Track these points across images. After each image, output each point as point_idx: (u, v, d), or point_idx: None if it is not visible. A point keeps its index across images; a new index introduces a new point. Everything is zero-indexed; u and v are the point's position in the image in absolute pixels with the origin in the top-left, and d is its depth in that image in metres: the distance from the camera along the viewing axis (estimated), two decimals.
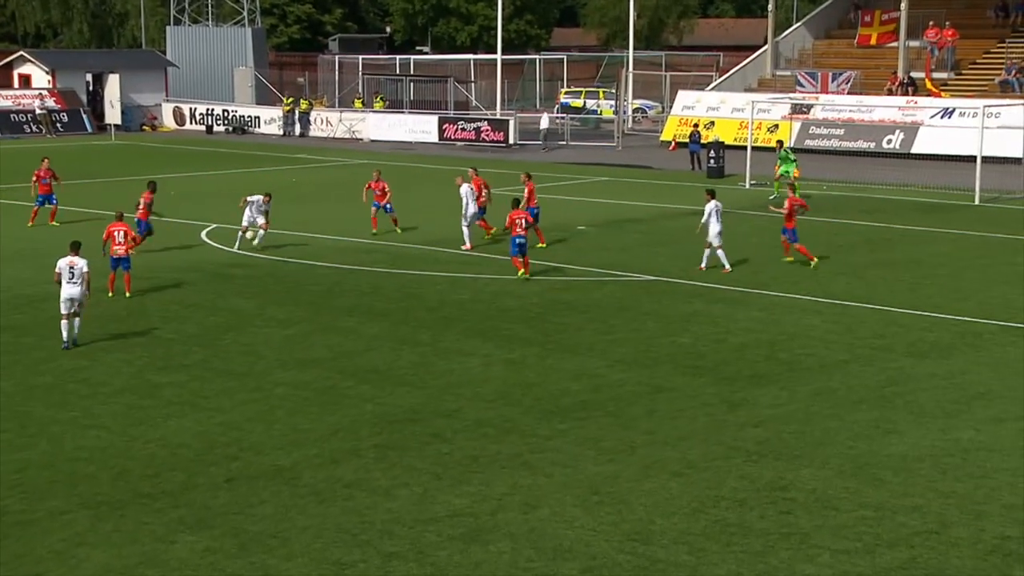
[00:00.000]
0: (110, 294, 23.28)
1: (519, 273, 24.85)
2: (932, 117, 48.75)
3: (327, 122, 62.27)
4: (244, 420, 16.32)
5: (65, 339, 19.56)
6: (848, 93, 53.20)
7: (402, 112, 61.85)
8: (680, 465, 14.60)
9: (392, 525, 12.82)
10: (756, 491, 13.76)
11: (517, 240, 24.80)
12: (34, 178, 32.78)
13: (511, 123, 56.54)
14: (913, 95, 51.50)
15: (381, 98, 64.92)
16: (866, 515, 13.07)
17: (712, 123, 52.85)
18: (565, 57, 77.04)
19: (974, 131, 39.07)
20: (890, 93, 52.57)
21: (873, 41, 57.23)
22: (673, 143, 53.68)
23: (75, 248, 19.75)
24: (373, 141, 59.10)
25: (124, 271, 23.28)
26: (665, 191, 40.76)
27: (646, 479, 14.15)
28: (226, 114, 66.00)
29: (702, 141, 47.05)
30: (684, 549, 12.29)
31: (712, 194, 26.47)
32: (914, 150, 48.70)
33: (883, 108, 50.26)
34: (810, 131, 51.00)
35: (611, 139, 56.17)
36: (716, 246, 25.91)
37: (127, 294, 23.39)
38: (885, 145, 49.67)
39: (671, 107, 58.60)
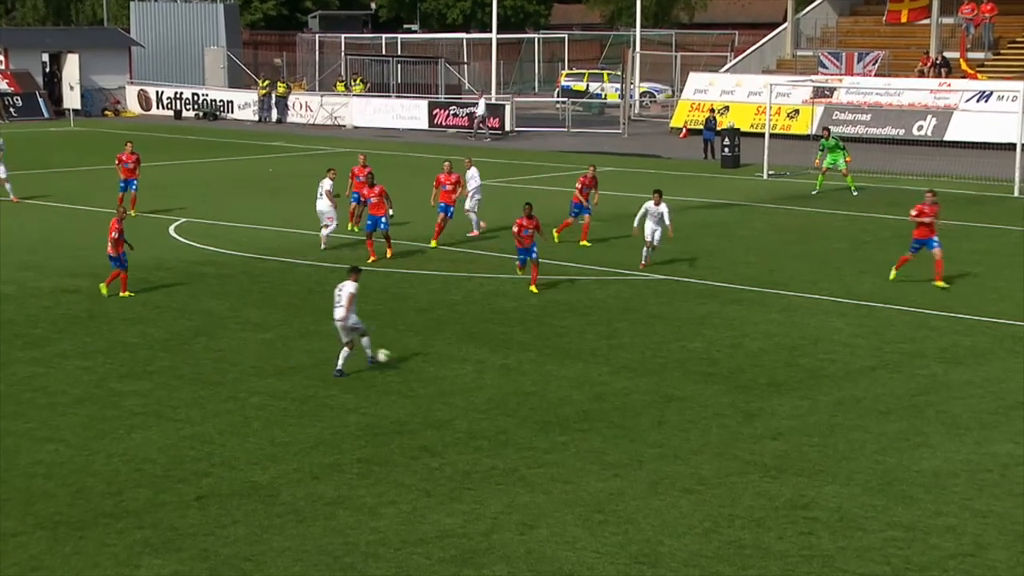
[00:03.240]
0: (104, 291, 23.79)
1: (530, 288, 24.13)
2: (967, 101, 48.83)
3: (306, 107, 62.31)
4: (216, 432, 16.31)
5: (338, 367, 18.81)
6: (875, 75, 53.27)
7: (388, 96, 61.89)
8: (691, 481, 14.61)
9: (377, 547, 12.82)
10: (774, 509, 13.78)
11: (521, 251, 24.26)
12: (116, 161, 33.39)
13: (507, 108, 56.59)
14: (947, 77, 51.57)
15: (361, 80, 64.93)
16: (895, 536, 13.08)
17: (727, 108, 52.91)
18: (566, 36, 77.13)
19: (1014, 116, 39.13)
20: (921, 75, 52.65)
21: (903, 18, 57.32)
22: (684, 130, 53.73)
23: (352, 273, 19.19)
24: (356, 128, 59.13)
25: (115, 268, 23.95)
26: (675, 182, 40.77)
27: (654, 496, 14.16)
28: (196, 98, 66.00)
29: (716, 128, 47.11)
30: (696, 572, 12.30)
31: (659, 194, 26.16)
32: (947, 137, 48.76)
33: (913, 91, 50.33)
34: (834, 116, 51.05)
35: (616, 126, 56.21)
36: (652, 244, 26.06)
37: (120, 294, 23.82)
38: (916, 132, 49.73)
39: (682, 91, 58.66)
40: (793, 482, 14.56)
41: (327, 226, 28.65)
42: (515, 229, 23.97)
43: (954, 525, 13.35)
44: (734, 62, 59.88)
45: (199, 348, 20.42)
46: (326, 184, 28.78)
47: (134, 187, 33.25)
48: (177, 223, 32.20)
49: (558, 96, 65.37)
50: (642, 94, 66.54)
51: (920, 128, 49.79)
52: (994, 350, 20.33)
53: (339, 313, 18.87)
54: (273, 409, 17.30)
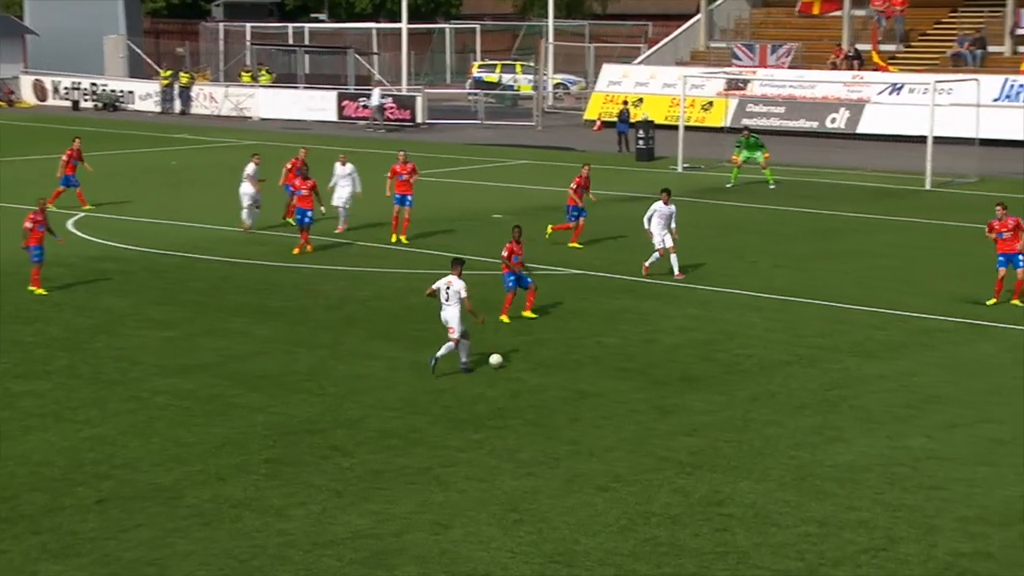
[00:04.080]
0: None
1: (524, 312, 21.96)
2: (880, 93, 49.63)
3: (211, 98, 61.65)
4: (117, 434, 16.11)
5: (435, 354, 18.75)
6: (789, 67, 53.92)
7: (296, 87, 61.43)
8: (606, 478, 14.71)
9: (286, 549, 12.74)
10: (689, 506, 13.92)
11: (509, 277, 21.78)
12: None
13: (419, 99, 56.46)
14: (859, 69, 52.36)
15: (267, 71, 64.40)
16: (809, 531, 13.29)
17: (641, 100, 53.28)
18: (478, 26, 77.10)
19: (925, 109, 39.86)
20: (834, 67, 53.40)
21: (815, 10, 58.05)
22: (598, 122, 54.01)
23: (456, 266, 19.12)
24: (264, 120, 58.64)
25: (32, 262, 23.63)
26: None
27: (569, 494, 14.23)
28: (95, 88, 65.01)
29: (630, 120, 47.40)
30: (611, 571, 12.39)
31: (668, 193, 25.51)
32: (860, 130, 49.55)
33: (826, 84, 51.04)
34: (747, 109, 51.65)
35: (530, 118, 56.34)
36: (659, 249, 25.18)
37: (28, 287, 23.56)
38: (829, 124, 50.47)
39: (596, 82, 58.93)
40: (708, 478, 14.72)
41: (249, 207, 29.38)
42: (504, 254, 21.69)
43: (867, 519, 13.59)
44: (648, 53, 60.28)
45: (99, 347, 20.14)
46: (249, 168, 29.50)
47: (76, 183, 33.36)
48: (76, 217, 31.70)
49: (470, 88, 65.31)
50: (555, 86, 66.73)
51: (833, 121, 50.53)
52: (907, 344, 20.71)
53: (448, 314, 18.67)
54: (177, 409, 17.12)
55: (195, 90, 62.26)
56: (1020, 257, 22.90)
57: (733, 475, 14.83)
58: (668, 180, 39.48)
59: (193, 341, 20.51)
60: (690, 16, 61.39)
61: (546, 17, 66.42)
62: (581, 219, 28.44)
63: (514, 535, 13.14)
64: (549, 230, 28.83)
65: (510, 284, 21.65)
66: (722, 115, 51.07)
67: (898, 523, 13.49)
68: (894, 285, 24.92)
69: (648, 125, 45.59)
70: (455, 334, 18.82)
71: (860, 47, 53.81)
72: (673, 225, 25.13)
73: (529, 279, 21.89)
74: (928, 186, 37.81)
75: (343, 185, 29.82)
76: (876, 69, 51.84)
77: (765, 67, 53.84)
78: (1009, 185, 37.72)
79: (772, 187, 37.37)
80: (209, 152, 47.24)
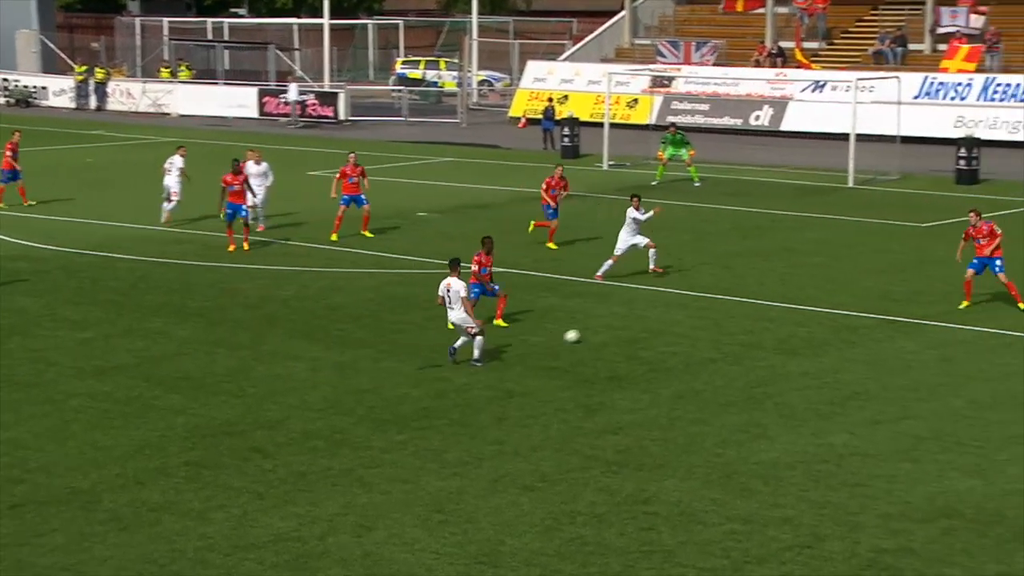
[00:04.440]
0: None
1: (496, 321, 21.35)
2: (803, 91, 50.17)
3: (128, 94, 60.91)
4: (31, 437, 15.88)
5: (454, 345, 19.36)
6: (713, 64, 54.36)
7: (216, 83, 60.86)
8: (532, 478, 14.74)
9: (206, 553, 12.64)
10: (615, 505, 13.99)
11: (475, 288, 20.72)
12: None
13: (341, 96, 56.19)
14: (782, 67, 52.91)
15: (187, 66, 63.78)
16: (734, 529, 13.41)
17: (566, 97, 53.44)
18: (401, 22, 76.83)
19: (847, 106, 40.34)
20: (758, 65, 53.92)
21: (739, 7, 58.57)
22: (523, 119, 54.09)
23: (454, 266, 19.40)
24: (183, 116, 58.05)
25: None
26: (515, 173, 41.06)
27: (494, 494, 14.25)
28: (7, 83, 64.00)
29: (555, 117, 47.52)
30: (536, 571, 12.42)
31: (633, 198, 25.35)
32: (784, 127, 50.05)
33: (750, 81, 51.50)
34: (672, 106, 51.98)
35: (454, 115, 56.29)
36: (622, 250, 25.05)
37: None
38: (753, 122, 50.95)
39: (520, 79, 59.01)
40: (634, 477, 14.80)
41: (171, 201, 29.81)
42: (474, 268, 20.92)
43: (791, 517, 13.74)
44: (573, 50, 60.45)
45: (13, 348, 19.84)
46: (177, 161, 30.00)
47: (19, 178, 33.19)
48: None
49: (394, 84, 65.13)
50: (480, 82, 66.72)
51: (757, 118, 51.00)
52: (831, 341, 20.97)
53: (455, 316, 19.08)
54: (94, 411, 16.91)
55: (111, 86, 61.48)
56: (998, 262, 22.77)
57: (659, 473, 14.92)
58: (594, 178, 39.68)
59: (110, 342, 20.26)
60: (615, 13, 61.63)
61: (470, 13, 66.38)
62: (555, 220, 28.29)
63: (439, 536, 13.13)
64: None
65: (474, 293, 20.59)
66: (647, 112, 51.32)
67: (822, 520, 13.65)
68: (818, 282, 25.21)
69: (573, 122, 45.72)
70: (475, 329, 19.11)
71: (784, 44, 54.38)
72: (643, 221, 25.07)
73: (497, 287, 21.36)
74: (851, 183, 38.29)
75: (258, 184, 29.48)
76: (799, 67, 52.41)
77: (690, 64, 54.22)
78: (930, 183, 38.35)
79: (697, 184, 37.65)
80: (127, 149, 46.66)
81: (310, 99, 56.14)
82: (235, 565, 12.40)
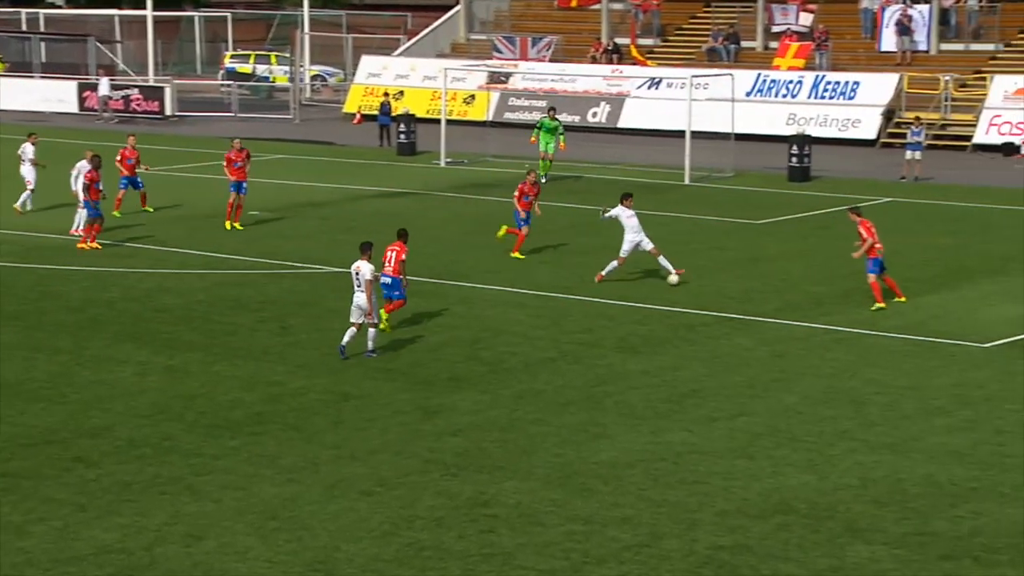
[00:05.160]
0: None
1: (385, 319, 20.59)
2: (639, 88, 50.86)
3: None
4: None
5: (342, 343, 19.44)
6: (550, 60, 54.79)
7: (32, 77, 59.13)
8: (370, 483, 14.67)
9: (25, 568, 12.31)
10: (455, 508, 14.00)
11: (383, 280, 20.27)
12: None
13: (167, 91, 55.13)
14: (618, 63, 53.61)
15: (1, 59, 61.86)
16: (574, 530, 13.53)
17: (401, 93, 53.29)
18: (229, 15, 75.62)
19: (682, 103, 41.03)
20: (594, 61, 54.53)
21: (574, 3, 59.17)
22: (358, 116, 53.78)
23: (364, 250, 19.60)
24: None
25: None
26: (350, 170, 40.80)
27: (331, 500, 14.14)
28: None
29: (391, 113, 47.36)
30: None
31: (626, 198, 25.16)
32: (621, 124, 50.68)
33: (587, 78, 52.01)
34: (509, 103, 52.26)
35: (287, 111, 55.67)
36: (625, 254, 24.83)
37: None
38: (590, 118, 51.46)
39: (354, 74, 58.68)
40: (474, 479, 14.83)
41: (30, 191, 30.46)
42: (402, 256, 20.46)
43: (630, 516, 13.93)
44: (407, 45, 60.31)
45: None
46: (28, 150, 30.64)
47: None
48: None
49: (223, 79, 64.12)
50: (313, 77, 66.09)
51: (595, 115, 51.55)
52: (669, 339, 21.31)
53: (360, 298, 19.13)
54: None
55: None
56: (869, 260, 22.90)
57: (499, 475, 14.98)
58: (431, 175, 39.63)
59: None
60: (449, 7, 61.69)
61: (301, 6, 65.73)
62: (525, 228, 27.43)
63: (272, 544, 12.97)
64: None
65: (386, 294, 20.33)
66: (484, 109, 51.49)
67: (660, 519, 13.87)
68: (656, 280, 25.57)
69: (409, 119, 45.63)
70: (373, 319, 19.17)
71: (619, 41, 55.10)
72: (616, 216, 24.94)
73: (397, 292, 20.60)
74: (687, 180, 38.96)
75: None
76: (635, 63, 53.17)
77: (526, 60, 54.57)
78: (763, 180, 39.26)
79: (542, 181, 37.83)
80: None
81: (134, 94, 54.99)
82: None
